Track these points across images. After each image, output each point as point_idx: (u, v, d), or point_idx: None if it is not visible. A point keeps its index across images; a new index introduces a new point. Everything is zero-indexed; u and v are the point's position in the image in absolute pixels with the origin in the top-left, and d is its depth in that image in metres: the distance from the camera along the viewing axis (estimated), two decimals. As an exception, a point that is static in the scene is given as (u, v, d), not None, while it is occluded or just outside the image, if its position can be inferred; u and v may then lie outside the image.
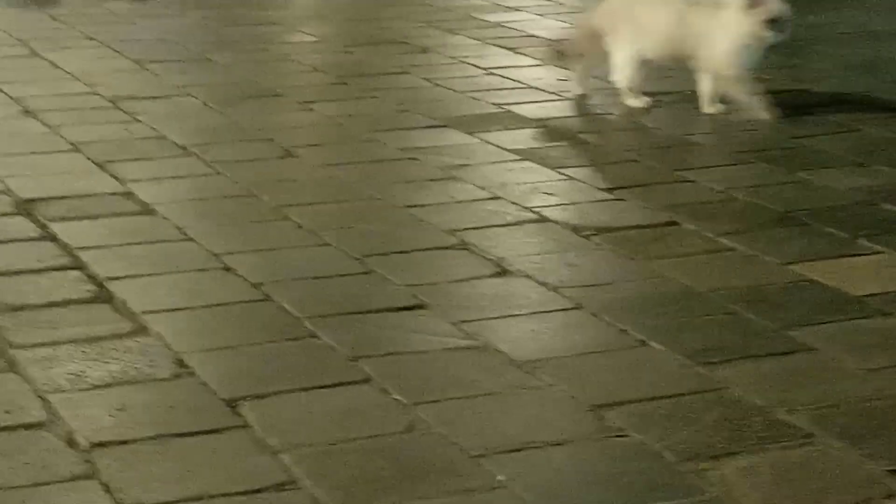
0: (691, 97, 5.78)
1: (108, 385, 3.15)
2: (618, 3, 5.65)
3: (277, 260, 3.97)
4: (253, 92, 6.00)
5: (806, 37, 7.19)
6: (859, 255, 4.01)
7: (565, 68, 5.96)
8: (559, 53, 5.90)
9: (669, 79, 6.20)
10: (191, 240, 4.12)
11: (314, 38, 7.32)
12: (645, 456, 2.84)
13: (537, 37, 7.11)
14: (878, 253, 4.03)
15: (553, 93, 5.94)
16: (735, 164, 4.94)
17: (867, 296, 3.69)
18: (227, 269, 3.88)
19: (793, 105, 5.67)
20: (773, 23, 5.28)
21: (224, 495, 2.68)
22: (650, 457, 2.83)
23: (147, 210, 4.39)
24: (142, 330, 3.45)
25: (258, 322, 3.53)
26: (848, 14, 7.77)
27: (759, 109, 5.43)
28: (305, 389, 3.13)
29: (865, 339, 3.42)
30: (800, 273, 3.85)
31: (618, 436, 2.93)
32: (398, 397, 3.09)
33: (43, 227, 4.22)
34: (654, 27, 5.49)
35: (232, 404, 3.05)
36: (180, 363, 3.27)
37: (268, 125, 5.44)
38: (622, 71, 5.63)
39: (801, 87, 6.06)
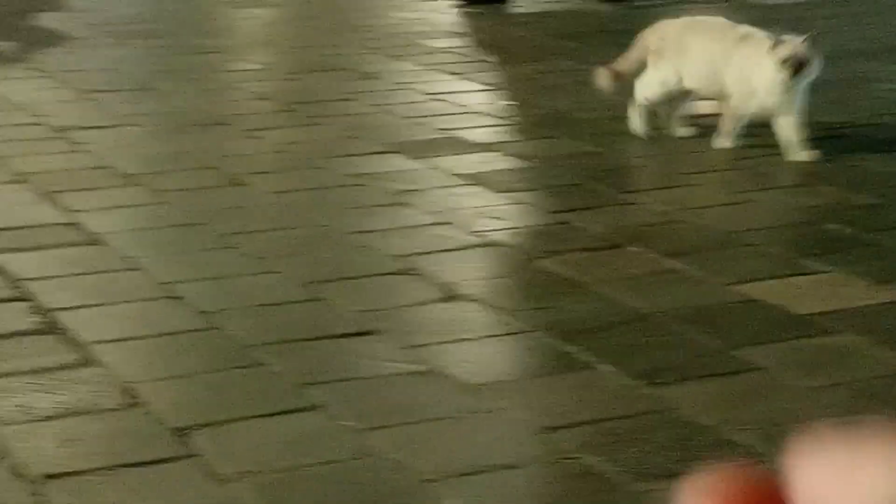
0: (630, 121, 5.83)
1: (57, 416, 3.14)
2: (670, 25, 5.53)
3: (226, 288, 3.97)
4: (198, 120, 5.99)
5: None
6: (803, 274, 4.05)
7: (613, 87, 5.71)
8: (615, 74, 5.67)
9: (611, 100, 6.25)
10: (139, 269, 4.11)
11: (259, 66, 7.32)
12: (596, 477, 2.86)
13: (482, 62, 7.15)
14: (822, 272, 4.07)
15: (499, 117, 5.98)
16: (680, 186, 4.98)
17: (811, 315, 3.73)
18: (176, 297, 3.88)
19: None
20: (791, 64, 5.05)
21: (176, 525, 2.68)
22: (601, 478, 2.85)
23: (94, 240, 4.38)
24: (90, 360, 3.44)
25: (208, 350, 3.53)
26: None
27: (793, 150, 5.24)
28: (256, 417, 3.13)
29: (810, 358, 3.46)
30: (745, 293, 3.89)
31: (569, 458, 2.95)
32: (349, 423, 3.10)
33: (-11, 258, 4.20)
34: (699, 56, 5.33)
35: (182, 433, 3.05)
36: (130, 393, 3.26)
37: (214, 153, 5.44)
38: (649, 88, 5.52)
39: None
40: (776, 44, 5.07)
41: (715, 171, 5.17)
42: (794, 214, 4.62)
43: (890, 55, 7.18)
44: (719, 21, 5.39)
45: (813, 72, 5.11)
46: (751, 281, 3.98)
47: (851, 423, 0.51)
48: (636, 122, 5.57)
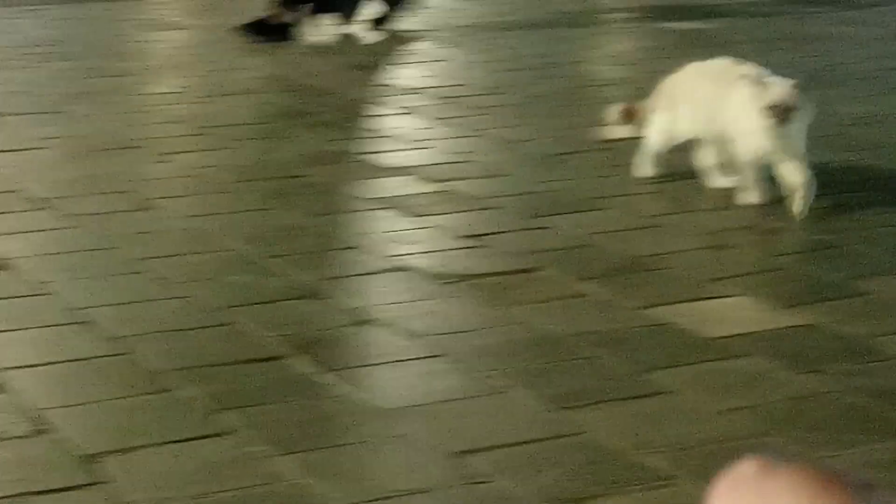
0: (551, 143, 5.87)
1: (-36, 444, 3.10)
2: (681, 71, 5.39)
3: (136, 313, 3.94)
4: (111, 144, 5.95)
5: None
6: (713, 298, 4.08)
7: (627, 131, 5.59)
8: (627, 112, 5.55)
9: (526, 126, 6.29)
10: (48, 294, 4.08)
11: (172, 89, 7.29)
12: (508, 501, 2.87)
13: (395, 86, 7.16)
14: (731, 296, 4.11)
15: (413, 141, 5.99)
16: (593, 210, 5.01)
17: (721, 338, 3.76)
18: (86, 323, 3.84)
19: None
20: (776, 111, 4.79)
21: (85, 553, 2.65)
22: (513, 502, 2.86)
23: (4, 265, 4.33)
24: (0, 387, 3.41)
25: (119, 376, 3.50)
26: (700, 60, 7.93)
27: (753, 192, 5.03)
28: (165, 443, 3.11)
29: (720, 381, 3.49)
30: (655, 317, 3.92)
31: (481, 482, 2.95)
32: (259, 449, 3.09)
33: None
34: (698, 101, 5.18)
35: (91, 460, 3.02)
36: (40, 419, 3.23)
37: (125, 177, 5.40)
38: (653, 134, 5.36)
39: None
40: (761, 88, 4.84)
41: (628, 195, 5.20)
42: (705, 238, 4.66)
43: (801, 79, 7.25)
44: (722, 63, 5.21)
45: (803, 117, 4.86)
46: (661, 304, 4.01)
47: (766, 456, 0.52)
48: (644, 166, 5.40)
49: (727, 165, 5.14)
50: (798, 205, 4.86)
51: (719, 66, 5.21)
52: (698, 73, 5.28)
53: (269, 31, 8.32)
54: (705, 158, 5.25)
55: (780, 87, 4.84)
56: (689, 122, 5.23)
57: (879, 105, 6.70)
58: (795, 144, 4.88)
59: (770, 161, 4.92)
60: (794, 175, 4.89)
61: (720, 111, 5.05)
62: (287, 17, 8.39)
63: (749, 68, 5.05)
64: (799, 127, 4.86)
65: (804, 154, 4.89)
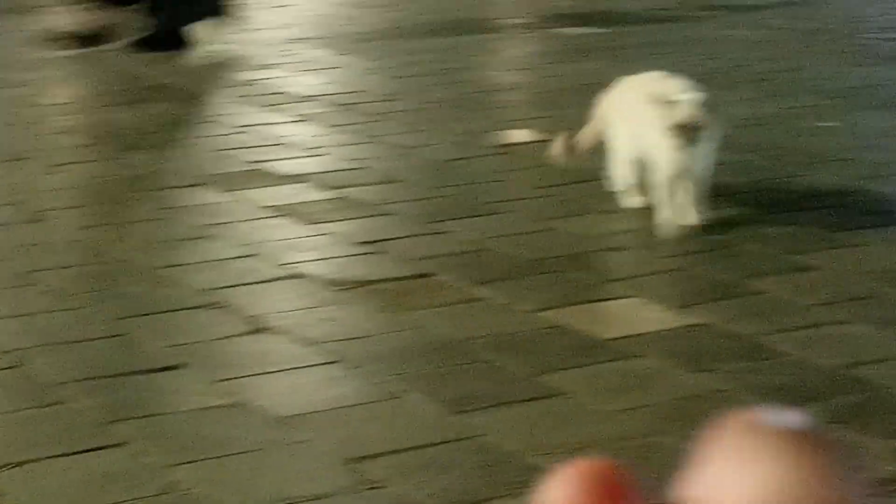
0: (447, 149, 5.89)
1: None
2: (616, 94, 5.12)
3: (29, 326, 3.90)
4: (0, 155, 5.88)
5: (556, 87, 7.37)
6: (607, 299, 4.12)
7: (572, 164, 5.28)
8: (570, 148, 5.23)
9: (421, 132, 6.30)
10: (-63, 308, 4.02)
11: (65, 100, 7.21)
12: (403, 506, 2.87)
13: (290, 94, 7.14)
14: (625, 297, 4.14)
15: (308, 148, 5.97)
16: (488, 215, 5.02)
17: (615, 339, 3.79)
18: (-24, 336, 3.80)
19: (543, 154, 5.81)
20: (681, 131, 4.63)
21: (-26, 569, 2.62)
22: (408, 507, 2.87)
23: None
24: None
25: (11, 389, 3.46)
26: (594, 65, 8.00)
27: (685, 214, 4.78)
28: (60, 456, 3.08)
29: (614, 382, 3.52)
30: (551, 319, 3.94)
31: (376, 487, 2.95)
32: (155, 459, 3.06)
33: None
34: (625, 120, 4.98)
35: (-18, 475, 2.99)
36: (-73, 435, 3.18)
37: (16, 189, 5.34)
38: (616, 171, 5.04)
39: (551, 137, 6.19)
40: (668, 107, 4.65)
41: (523, 199, 5.23)
42: (599, 241, 4.70)
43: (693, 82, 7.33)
44: (647, 79, 4.98)
45: (710, 136, 4.72)
46: (556, 307, 4.03)
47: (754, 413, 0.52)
48: (629, 201, 5.03)
49: (643, 185, 4.93)
50: (691, 219, 4.74)
51: (644, 81, 4.98)
52: (626, 90, 5.04)
53: (84, 39, 8.12)
54: (624, 176, 5.00)
55: (686, 106, 4.66)
56: (623, 141, 4.97)
57: (767, 107, 6.79)
58: (699, 164, 4.75)
59: (678, 179, 4.74)
60: (686, 194, 4.74)
61: (642, 128, 4.81)
62: (103, 20, 8.17)
63: (668, 83, 4.85)
64: (706, 146, 4.74)
65: (708, 174, 4.79)
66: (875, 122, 6.47)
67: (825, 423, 3.23)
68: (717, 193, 4.81)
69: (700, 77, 7.53)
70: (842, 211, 5.01)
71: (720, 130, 4.81)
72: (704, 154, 4.78)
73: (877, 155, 5.84)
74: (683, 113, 4.66)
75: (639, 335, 3.83)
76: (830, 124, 6.43)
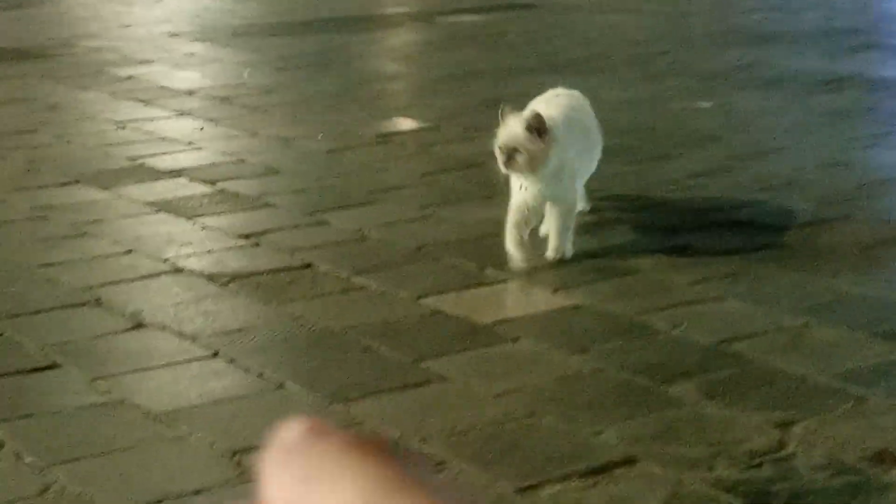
0: (327, 141, 5.89)
1: None
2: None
3: None
4: None
5: (436, 76, 7.40)
6: (486, 284, 4.15)
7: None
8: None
9: (301, 124, 6.29)
10: None
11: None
12: (284, 496, 2.87)
13: (170, 88, 7.10)
14: (504, 281, 4.18)
15: (188, 143, 5.94)
16: (368, 204, 5.04)
17: (494, 323, 3.83)
18: None
19: (422, 142, 5.84)
20: (501, 152, 4.22)
21: None
22: (289, 496, 2.87)
23: None
24: None
25: None
26: (473, 54, 8.04)
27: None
28: (-65, 460, 3.05)
29: (494, 366, 3.55)
30: (431, 306, 3.97)
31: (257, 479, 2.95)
32: (32, 460, 3.04)
33: None
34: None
35: None
36: None
37: None
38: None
39: (431, 125, 6.23)
40: (500, 128, 4.25)
41: (401, 188, 5.24)
42: (478, 227, 4.73)
43: (565, 69, 7.41)
44: (548, 96, 4.66)
45: (553, 154, 4.22)
46: (436, 293, 4.06)
47: (321, 429, 0.53)
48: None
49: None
50: (551, 249, 4.31)
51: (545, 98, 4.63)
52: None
53: None
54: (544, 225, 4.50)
55: (510, 127, 4.21)
56: None
57: (641, 90, 6.87)
58: (550, 190, 4.29)
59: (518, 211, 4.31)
60: (549, 218, 4.36)
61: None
62: None
63: (549, 103, 4.50)
64: (549, 173, 4.25)
65: (566, 196, 4.33)
66: (747, 103, 6.58)
67: (701, 398, 3.29)
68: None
69: (575, 62, 7.62)
70: (715, 190, 5.09)
71: (561, 149, 4.26)
72: (557, 179, 4.27)
73: (749, 135, 5.94)
74: (504, 134, 4.22)
75: (516, 318, 3.87)
76: (703, 105, 6.52)
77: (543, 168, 4.23)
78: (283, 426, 0.53)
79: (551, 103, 4.55)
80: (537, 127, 4.21)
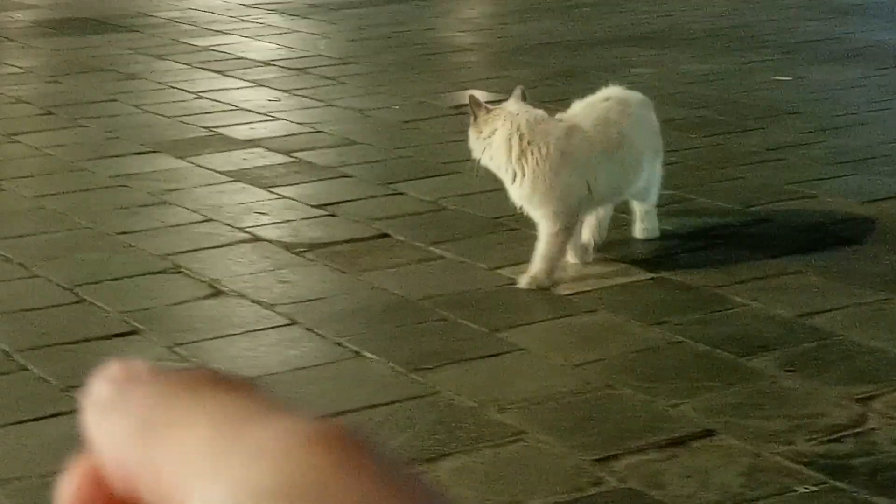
0: (402, 111, 5.90)
1: None
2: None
3: (-14, 295, 3.90)
4: (-44, 126, 5.86)
5: (511, 47, 7.39)
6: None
7: None
8: None
9: (377, 95, 6.30)
10: None
11: (19, 70, 7.17)
12: (361, 463, 2.88)
13: (246, 59, 7.13)
14: (581, 253, 4.17)
15: (263, 114, 5.97)
16: (444, 175, 5.03)
17: (572, 294, 3.82)
18: (-67, 306, 3.79)
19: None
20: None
21: (-65, 535, 2.63)
22: (367, 464, 2.88)
23: None
24: None
25: (-33, 359, 3.46)
26: (548, 24, 8.01)
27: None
28: (18, 423, 3.09)
29: (570, 337, 3.55)
30: (508, 276, 3.96)
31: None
32: (113, 424, 3.07)
33: None
34: None
35: (-59, 443, 2.99)
36: None
37: (-28, 159, 5.33)
38: None
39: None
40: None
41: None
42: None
43: (644, 41, 7.37)
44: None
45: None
46: (513, 264, 4.05)
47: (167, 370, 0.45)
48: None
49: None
50: (524, 278, 3.90)
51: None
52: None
53: None
54: None
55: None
56: None
57: (721, 62, 6.82)
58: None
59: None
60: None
61: None
62: None
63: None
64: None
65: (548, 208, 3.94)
66: (827, 76, 6.51)
67: (781, 371, 3.27)
68: (670, 148, 4.82)
69: (653, 33, 7.57)
70: (795, 163, 5.05)
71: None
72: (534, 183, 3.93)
73: (829, 108, 5.88)
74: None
75: (594, 290, 3.86)
76: (784, 78, 6.46)
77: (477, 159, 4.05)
78: (98, 375, 0.46)
79: (585, 109, 4.11)
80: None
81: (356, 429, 0.41)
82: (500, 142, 3.96)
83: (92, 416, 0.45)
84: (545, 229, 3.92)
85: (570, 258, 4.04)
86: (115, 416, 0.44)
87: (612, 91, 4.19)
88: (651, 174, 4.16)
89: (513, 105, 4.03)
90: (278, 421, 0.42)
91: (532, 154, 3.91)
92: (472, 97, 4.08)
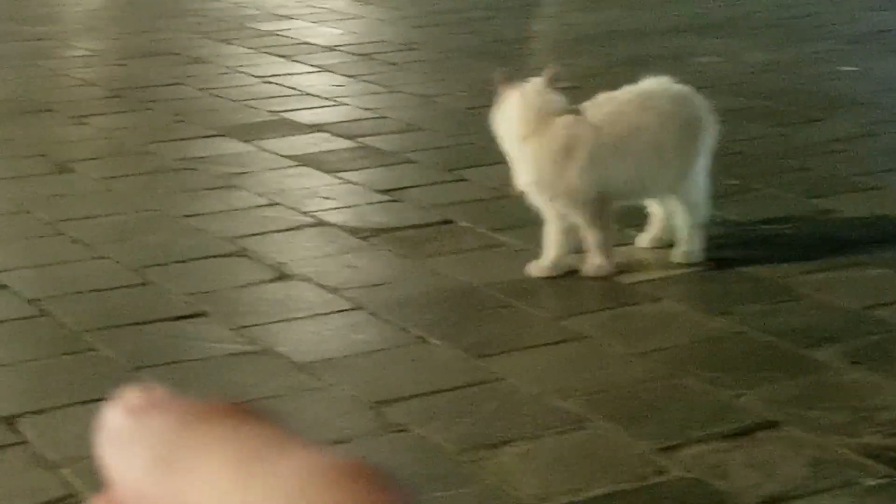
0: (466, 98, 5.90)
1: None
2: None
3: (54, 275, 3.94)
4: (25, 108, 5.92)
5: (574, 35, 7.38)
6: (626, 244, 4.13)
7: None
8: None
9: (441, 81, 6.31)
10: (-36, 259, 4.07)
11: (87, 52, 7.24)
12: (425, 449, 2.91)
13: (311, 44, 7.16)
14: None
15: (328, 99, 5.99)
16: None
17: (633, 283, 3.82)
18: (2, 286, 3.84)
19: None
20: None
21: (5, 512, 2.67)
22: (430, 449, 2.90)
23: (-82, 231, 4.31)
24: (-84, 352, 3.40)
25: (36, 338, 3.51)
26: (612, 13, 7.99)
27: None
28: (85, 403, 3.12)
29: (634, 325, 3.55)
30: (571, 264, 3.96)
31: (398, 430, 2.99)
32: (180, 405, 3.10)
33: None
34: None
35: (10, 421, 3.03)
36: (-43, 383, 3.23)
37: (41, 141, 5.38)
38: None
39: (572, 84, 6.20)
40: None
41: (542, 146, 5.23)
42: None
43: (709, 30, 7.34)
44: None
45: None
46: (575, 252, 4.04)
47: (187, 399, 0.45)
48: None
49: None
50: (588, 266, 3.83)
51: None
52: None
53: None
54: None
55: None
56: None
57: (786, 53, 6.78)
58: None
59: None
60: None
61: None
62: None
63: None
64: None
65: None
66: (893, 67, 6.46)
67: (846, 363, 3.26)
68: (734, 138, 4.81)
69: (718, 23, 7.53)
70: (860, 155, 5.02)
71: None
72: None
73: (894, 100, 5.84)
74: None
75: (657, 279, 3.86)
76: (849, 69, 6.42)
77: None
78: (114, 404, 0.44)
79: (607, 100, 3.93)
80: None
81: (376, 464, 0.41)
82: (506, 123, 3.90)
83: (109, 447, 0.43)
84: (578, 221, 3.83)
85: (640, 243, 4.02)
86: (133, 447, 0.43)
87: (653, 82, 3.97)
88: (690, 181, 3.90)
89: (531, 87, 3.90)
90: (299, 455, 0.41)
91: (534, 142, 3.82)
92: (498, 74, 3.98)
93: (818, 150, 5.06)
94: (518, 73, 6.34)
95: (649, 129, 3.84)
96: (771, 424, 2.98)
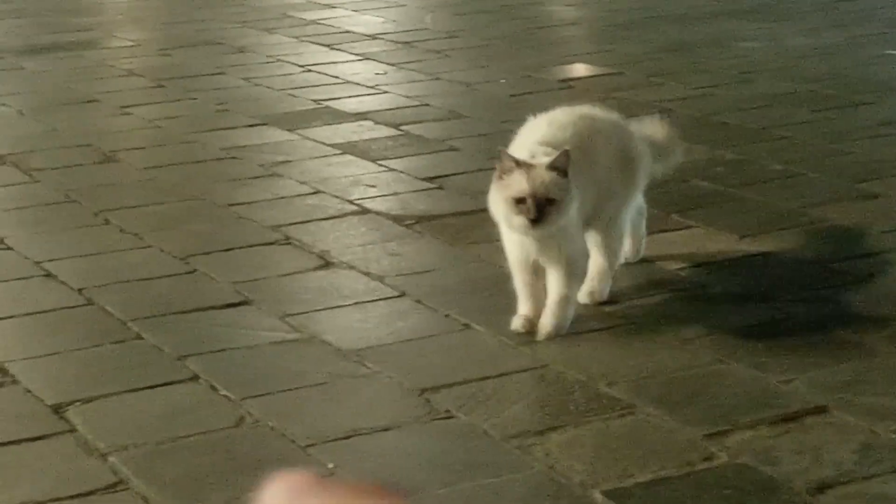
0: (508, 85, 5.89)
1: (-69, 398, 3.12)
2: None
3: (100, 264, 3.96)
4: (69, 98, 5.94)
5: (617, 21, 7.35)
6: (672, 230, 4.12)
7: None
8: None
9: (483, 68, 6.30)
10: (10, 248, 4.09)
11: (130, 43, 7.27)
12: (471, 435, 2.90)
13: (353, 32, 7.16)
14: (690, 227, 4.14)
15: (371, 87, 5.99)
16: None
17: (682, 269, 3.80)
18: (49, 275, 3.86)
19: (606, 88, 5.80)
20: (524, 209, 3.31)
21: (54, 500, 2.68)
22: (477, 436, 2.90)
23: (-36, 221, 4.34)
24: (-36, 341, 3.42)
25: (82, 326, 3.52)
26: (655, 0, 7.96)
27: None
28: (132, 391, 3.14)
29: (681, 311, 3.53)
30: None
31: (445, 417, 2.99)
32: (226, 393, 3.11)
33: None
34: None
35: (58, 410, 3.05)
36: (4, 372, 3.25)
37: (86, 131, 5.40)
38: None
39: (614, 70, 6.19)
40: (503, 168, 3.41)
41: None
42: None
43: (752, 14, 7.30)
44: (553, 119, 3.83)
45: (565, 209, 3.30)
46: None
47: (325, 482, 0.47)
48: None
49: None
50: (543, 325, 3.39)
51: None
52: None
53: None
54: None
55: (530, 170, 3.32)
56: None
57: (832, 36, 6.74)
58: (561, 248, 3.39)
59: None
60: (551, 286, 3.43)
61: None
62: None
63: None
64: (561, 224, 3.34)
65: (573, 257, 3.41)
66: (941, 50, 6.41)
67: (894, 347, 3.24)
68: (781, 123, 4.79)
69: (761, 7, 7.48)
70: (907, 138, 4.98)
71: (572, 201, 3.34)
72: (559, 237, 3.38)
73: (943, 82, 5.79)
74: (525, 182, 3.31)
75: (703, 265, 3.84)
76: (893, 52, 6.37)
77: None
78: (270, 483, 0.48)
79: (554, 124, 3.70)
80: (564, 168, 3.29)
81: None
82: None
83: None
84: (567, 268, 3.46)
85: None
86: None
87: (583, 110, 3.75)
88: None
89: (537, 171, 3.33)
90: None
91: None
92: (500, 150, 3.49)
93: (864, 135, 5.03)
94: (562, 60, 6.32)
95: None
96: (819, 410, 2.96)
